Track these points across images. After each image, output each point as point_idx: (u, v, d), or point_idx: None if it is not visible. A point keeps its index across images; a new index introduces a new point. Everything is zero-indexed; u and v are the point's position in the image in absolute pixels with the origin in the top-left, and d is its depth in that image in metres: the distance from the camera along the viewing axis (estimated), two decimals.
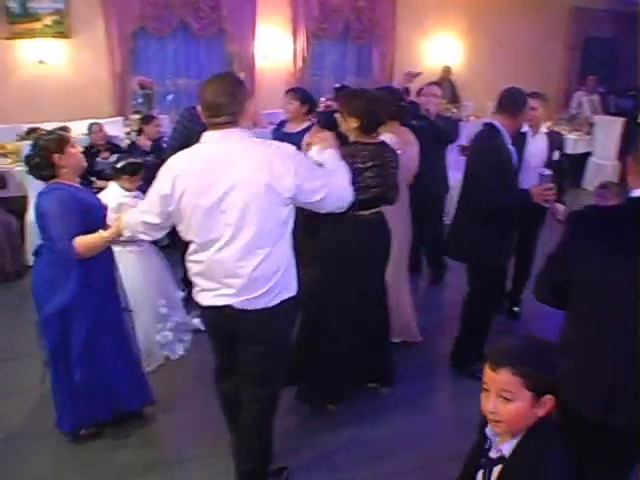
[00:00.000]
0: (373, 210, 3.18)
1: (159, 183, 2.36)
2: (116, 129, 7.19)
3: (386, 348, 3.61)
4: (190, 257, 2.43)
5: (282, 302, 2.42)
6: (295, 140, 3.81)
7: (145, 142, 5.89)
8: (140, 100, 7.80)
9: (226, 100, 2.26)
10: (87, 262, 2.80)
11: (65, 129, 2.89)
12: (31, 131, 6.98)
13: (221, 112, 2.26)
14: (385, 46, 9.83)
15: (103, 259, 2.93)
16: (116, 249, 3.18)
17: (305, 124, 4.53)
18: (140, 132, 6.05)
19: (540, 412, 1.56)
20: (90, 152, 5.52)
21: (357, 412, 3.45)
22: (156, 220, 2.42)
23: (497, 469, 1.64)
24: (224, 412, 2.83)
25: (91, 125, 5.94)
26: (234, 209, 2.24)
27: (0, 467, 3.04)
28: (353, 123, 3.05)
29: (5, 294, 5.07)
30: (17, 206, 6.03)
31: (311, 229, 3.04)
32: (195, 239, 2.36)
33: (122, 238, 2.70)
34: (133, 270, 3.70)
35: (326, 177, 2.44)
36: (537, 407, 1.55)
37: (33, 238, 5.58)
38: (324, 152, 2.68)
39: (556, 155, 4.32)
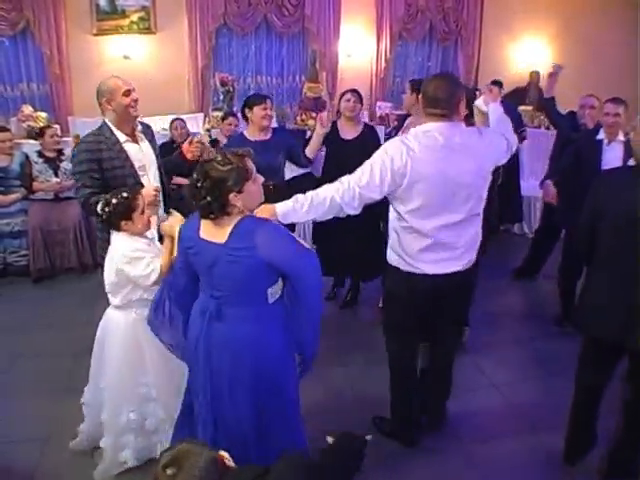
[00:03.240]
0: None
1: (389, 160, 2.55)
2: (196, 125, 7.18)
3: None
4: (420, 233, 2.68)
5: None
6: None
7: (221, 139, 5.82)
8: (221, 97, 7.77)
9: (444, 95, 2.59)
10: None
11: (247, 155, 2.23)
12: None
13: (438, 105, 2.59)
14: (471, 48, 9.52)
15: None
16: (114, 314, 2.86)
17: None
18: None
19: None
20: (171, 148, 5.46)
21: None
22: (377, 196, 2.61)
23: None
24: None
25: (173, 121, 5.90)
26: (466, 189, 2.62)
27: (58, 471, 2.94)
28: None
29: (82, 287, 5.07)
30: None
31: None
32: (423, 219, 2.64)
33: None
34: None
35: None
36: None
37: None
38: (489, 105, 3.03)
39: (631, 163, 4.00)
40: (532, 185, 6.11)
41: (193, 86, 8.41)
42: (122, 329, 2.83)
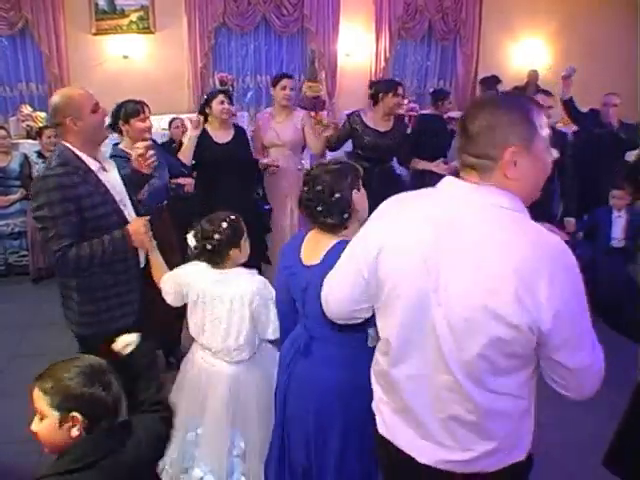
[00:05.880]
0: None
1: (360, 245, 1.61)
2: None
3: None
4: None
5: None
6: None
7: None
8: None
9: (487, 133, 1.42)
10: None
11: None
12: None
13: (472, 150, 1.45)
14: (470, 47, 9.48)
15: None
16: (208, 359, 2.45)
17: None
18: None
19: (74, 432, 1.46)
20: (170, 147, 5.47)
21: None
22: (364, 305, 1.64)
23: None
24: None
25: (173, 120, 5.91)
26: (455, 308, 1.39)
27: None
28: None
29: None
30: None
31: None
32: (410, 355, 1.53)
33: None
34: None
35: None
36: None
37: None
38: None
39: (554, 153, 4.14)
40: None
41: (192, 85, 8.40)
42: (230, 384, 2.43)
